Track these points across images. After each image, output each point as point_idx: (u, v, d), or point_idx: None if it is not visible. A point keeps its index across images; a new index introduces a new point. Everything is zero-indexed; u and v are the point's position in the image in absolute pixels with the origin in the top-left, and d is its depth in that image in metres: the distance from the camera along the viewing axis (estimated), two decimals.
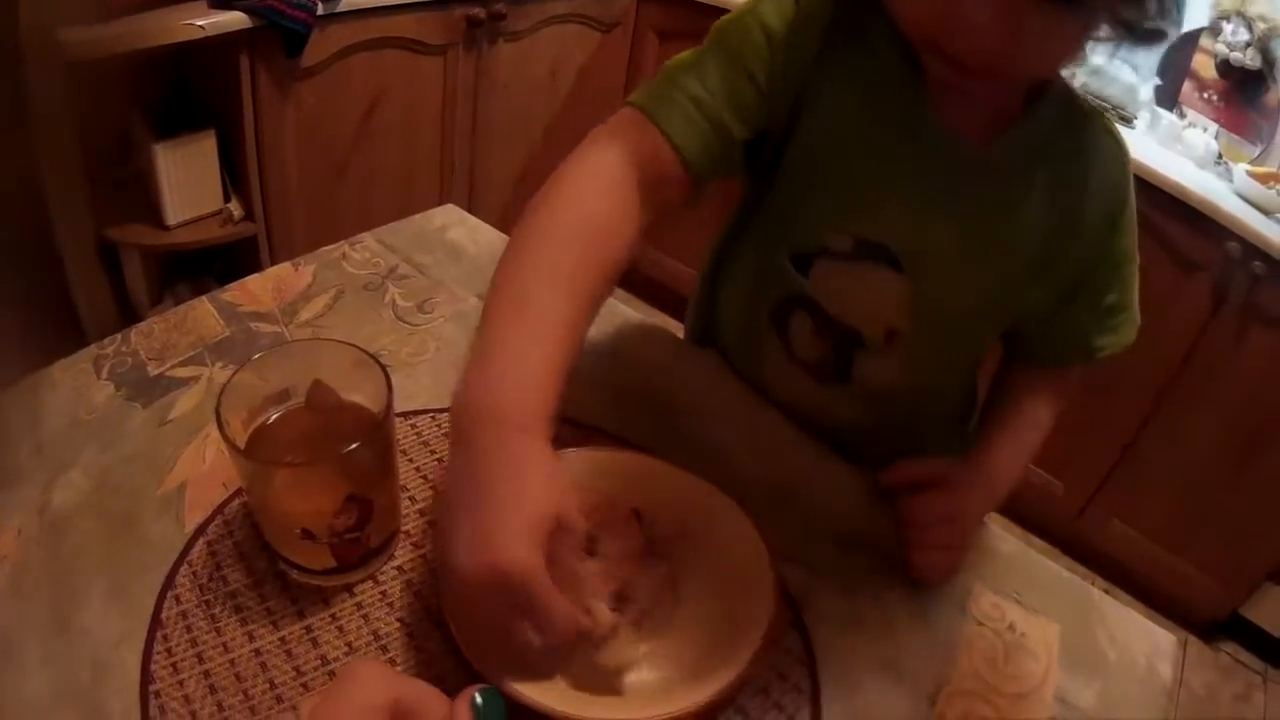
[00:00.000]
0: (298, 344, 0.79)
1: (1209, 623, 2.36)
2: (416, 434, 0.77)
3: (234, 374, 0.60)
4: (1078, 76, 0.81)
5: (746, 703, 0.62)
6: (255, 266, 1.96)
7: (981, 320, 0.88)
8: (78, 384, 0.79)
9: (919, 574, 0.75)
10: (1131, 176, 0.83)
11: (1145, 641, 0.78)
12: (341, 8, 1.85)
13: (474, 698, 0.45)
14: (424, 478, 0.73)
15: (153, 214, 1.95)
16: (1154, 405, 2.19)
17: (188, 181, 1.93)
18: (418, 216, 1.07)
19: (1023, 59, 0.64)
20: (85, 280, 2.05)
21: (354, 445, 0.56)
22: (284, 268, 0.97)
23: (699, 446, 0.82)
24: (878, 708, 0.65)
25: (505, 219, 2.41)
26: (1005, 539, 0.84)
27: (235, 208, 1.98)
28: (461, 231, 1.06)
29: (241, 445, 0.59)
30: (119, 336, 0.85)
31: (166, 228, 1.95)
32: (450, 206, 1.10)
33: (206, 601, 0.62)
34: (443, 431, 0.78)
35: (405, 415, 0.78)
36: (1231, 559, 2.22)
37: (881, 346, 0.86)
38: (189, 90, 2.02)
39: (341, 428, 0.62)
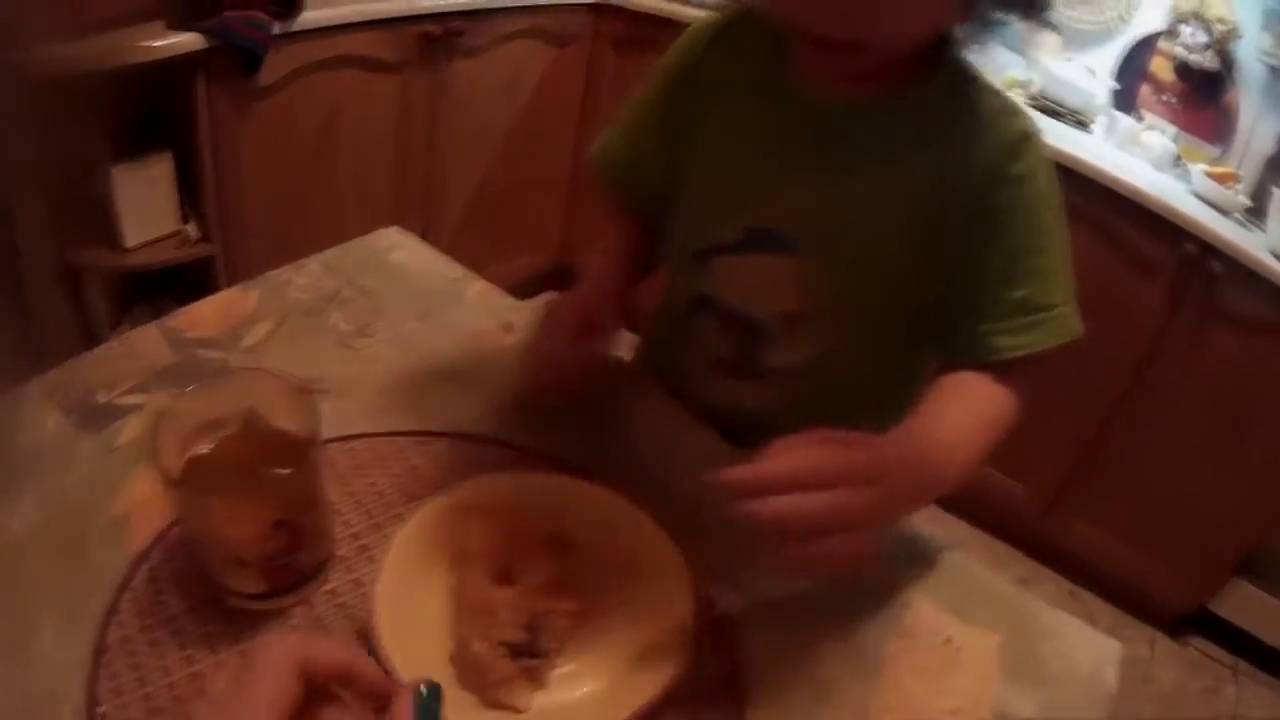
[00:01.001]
0: (232, 374, 0.82)
1: (1176, 618, 2.40)
2: (352, 458, 0.79)
3: (168, 405, 0.63)
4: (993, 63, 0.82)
5: None
6: (214, 288, 1.99)
7: (873, 295, 0.85)
8: (29, 412, 0.81)
9: (803, 568, 0.64)
10: (1041, 169, 0.80)
11: (1089, 649, 0.77)
12: (298, 27, 1.87)
13: (419, 689, 0.46)
14: (358, 502, 0.76)
15: (111, 236, 1.95)
16: (1114, 406, 2.23)
17: (145, 203, 1.94)
18: (363, 239, 1.10)
19: (882, 20, 0.66)
20: (45, 303, 2.06)
21: (280, 472, 0.59)
22: (230, 293, 0.99)
23: (635, 467, 0.84)
24: None
25: (463, 234, 2.44)
26: (946, 548, 0.85)
27: (192, 229, 1.99)
28: (404, 254, 1.09)
29: (176, 475, 0.61)
30: (70, 364, 0.87)
31: (125, 250, 1.96)
32: (395, 229, 1.13)
33: (148, 626, 0.64)
34: (378, 456, 0.80)
35: (343, 439, 0.81)
36: (1197, 555, 2.26)
37: (782, 333, 0.88)
38: (147, 110, 2.03)
39: (273, 455, 0.64)
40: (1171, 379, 2.14)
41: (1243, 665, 2.38)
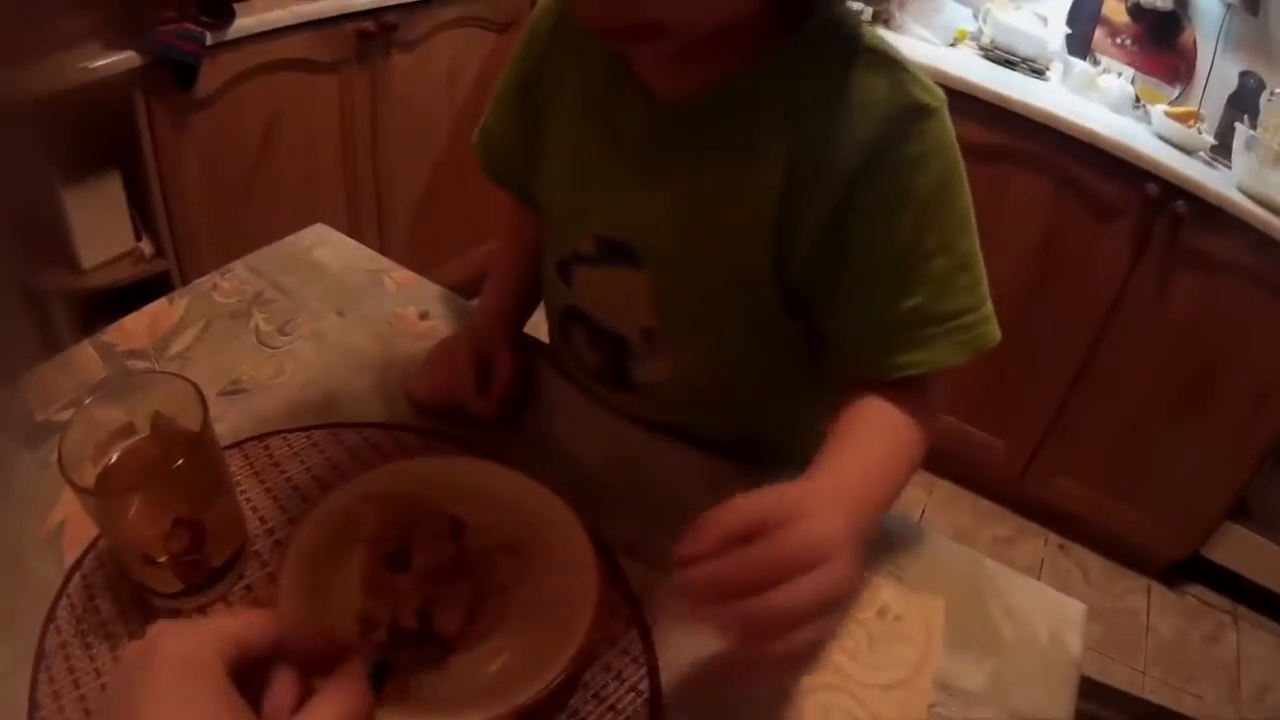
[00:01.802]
0: (135, 378, 0.84)
1: (1171, 567, 2.43)
2: (269, 455, 0.81)
3: (74, 414, 0.65)
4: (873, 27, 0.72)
5: (581, 706, 0.64)
6: None
7: (732, 307, 0.79)
8: None
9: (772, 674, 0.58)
10: (940, 153, 0.70)
11: (1048, 612, 0.75)
12: (231, 35, 1.88)
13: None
14: (274, 498, 0.77)
15: (67, 258, 1.97)
16: (1086, 357, 2.24)
17: (98, 224, 1.96)
18: (288, 239, 1.12)
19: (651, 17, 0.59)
20: (8, 326, 2.08)
21: (173, 466, 0.61)
22: (159, 304, 1.01)
23: (543, 448, 0.86)
24: (724, 708, 0.65)
25: (416, 226, 2.46)
26: (888, 516, 0.80)
27: (146, 246, 2.01)
28: (326, 250, 1.11)
29: (84, 480, 0.63)
30: (13, 386, 0.90)
31: (82, 271, 1.98)
32: (319, 226, 1.15)
33: (82, 631, 0.66)
34: (294, 452, 0.82)
35: (260, 438, 0.83)
36: (1185, 501, 2.28)
37: (645, 347, 0.85)
38: (92, 131, 2.05)
39: (178, 456, 0.66)
40: (1142, 324, 2.15)
41: (1242, 610, 2.41)
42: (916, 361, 0.71)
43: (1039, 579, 2.28)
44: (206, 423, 0.64)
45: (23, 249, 1.98)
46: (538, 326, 1.00)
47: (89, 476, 0.64)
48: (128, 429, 0.69)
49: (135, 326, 0.98)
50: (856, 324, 0.74)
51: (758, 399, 0.89)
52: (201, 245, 2.08)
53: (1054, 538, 2.50)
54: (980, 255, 0.73)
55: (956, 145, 0.70)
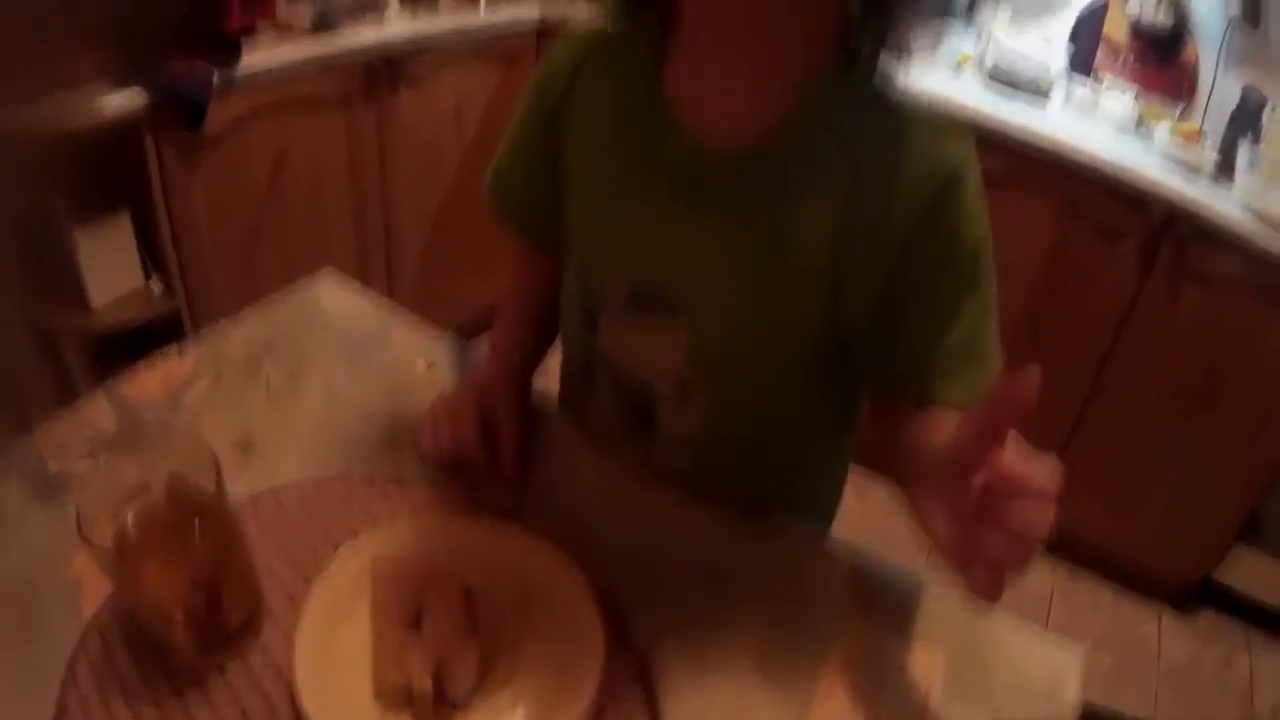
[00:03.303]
0: (155, 438, 0.85)
1: (1182, 591, 2.42)
2: (281, 508, 0.83)
3: (89, 472, 0.67)
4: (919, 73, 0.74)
5: None
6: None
7: (771, 355, 0.82)
8: None
9: (994, 580, 0.56)
10: (976, 206, 0.75)
11: (1045, 658, 0.76)
12: (238, 74, 1.91)
13: None
14: (288, 555, 0.78)
15: (79, 297, 2.00)
16: (1093, 382, 2.25)
17: (109, 264, 1.99)
18: (296, 286, 1.14)
19: None
20: (24, 367, 2.11)
21: (191, 533, 0.63)
22: (171, 355, 1.03)
23: (551, 505, 0.86)
24: None
25: (425, 260, 2.48)
26: (883, 562, 0.84)
27: (156, 285, 2.04)
28: (335, 299, 1.13)
29: (101, 542, 0.65)
30: (28, 437, 0.91)
31: (93, 310, 2.01)
32: (327, 271, 1.16)
33: (101, 686, 0.67)
34: (306, 505, 0.83)
35: (273, 490, 0.84)
36: (1195, 525, 2.28)
37: (675, 398, 0.86)
38: (101, 170, 2.07)
39: (194, 515, 0.68)
40: (1148, 346, 2.16)
41: (1254, 633, 2.40)
42: (966, 389, 0.75)
43: (1049, 609, 2.31)
44: (221, 487, 0.66)
45: (32, 287, 2.01)
46: (548, 370, 1.01)
47: (105, 535, 0.66)
48: (143, 487, 0.71)
49: (148, 378, 0.99)
50: (906, 357, 0.77)
51: (779, 448, 0.92)
52: (212, 283, 2.10)
53: (1064, 566, 2.50)
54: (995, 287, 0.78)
55: (983, 190, 0.75)
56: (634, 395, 0.88)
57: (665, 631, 0.74)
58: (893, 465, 0.74)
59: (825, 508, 1.05)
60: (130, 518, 0.69)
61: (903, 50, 0.71)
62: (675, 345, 0.82)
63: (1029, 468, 0.54)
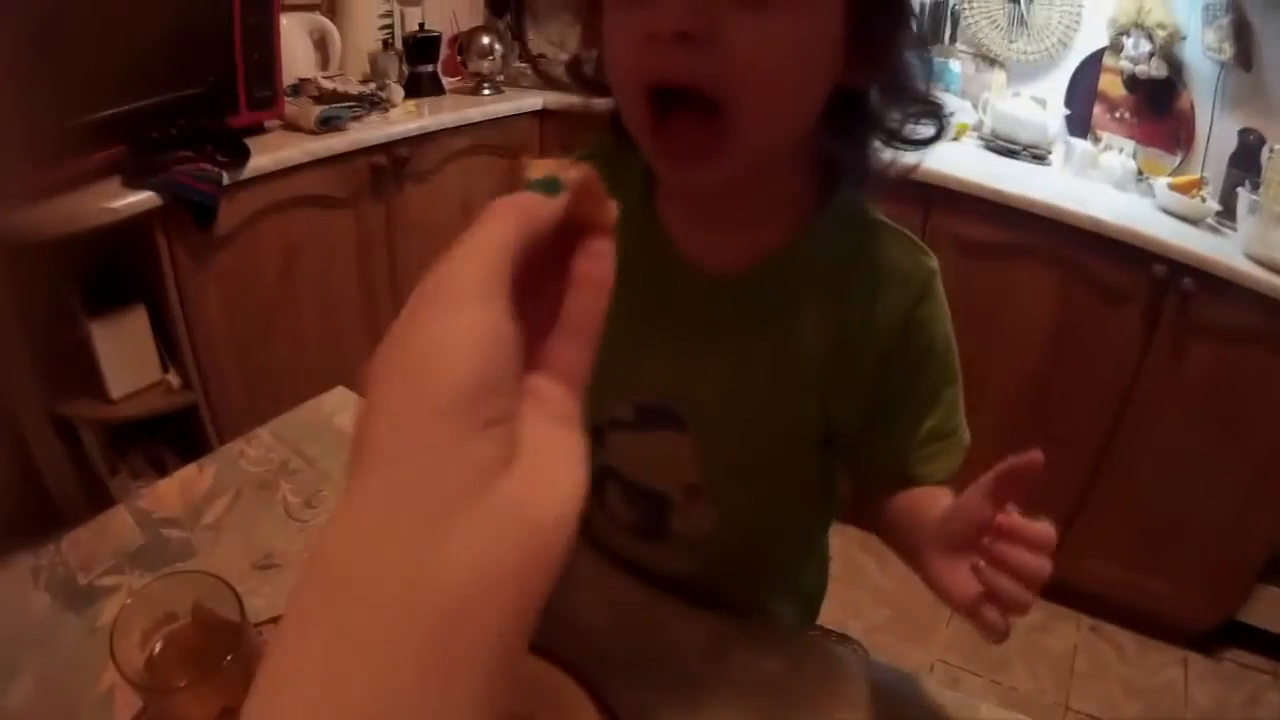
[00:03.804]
0: (174, 577, 0.89)
1: (1206, 634, 2.43)
2: None
3: (120, 610, 0.73)
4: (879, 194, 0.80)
5: None
6: (200, 432, 2.09)
7: (775, 458, 0.87)
8: (19, 594, 0.90)
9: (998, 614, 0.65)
10: (942, 302, 0.82)
11: None
12: (246, 174, 1.98)
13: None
14: None
15: (97, 387, 2.06)
16: (1105, 439, 2.27)
17: (125, 356, 2.05)
18: (309, 404, 1.19)
19: (731, 75, 0.60)
20: (45, 453, 2.17)
21: (220, 661, 0.68)
22: (189, 469, 1.08)
23: (554, 615, 0.89)
24: None
25: None
26: (882, 667, 0.88)
27: (173, 378, 2.10)
28: (347, 417, 1.17)
29: (134, 673, 0.70)
30: (52, 547, 0.96)
31: (111, 401, 2.06)
32: (339, 390, 1.21)
33: None
34: None
35: None
36: (1216, 568, 2.30)
37: (686, 503, 0.90)
38: (116, 265, 2.14)
39: (220, 644, 0.73)
40: (1158, 402, 2.19)
41: None
42: (940, 470, 0.84)
43: (1073, 664, 2.32)
44: (245, 618, 0.71)
45: (53, 379, 2.08)
46: None
47: (136, 660, 0.72)
48: (170, 616, 0.76)
49: (168, 492, 1.05)
50: (888, 445, 0.85)
51: (781, 538, 0.98)
52: (227, 377, 2.16)
53: (1086, 620, 2.51)
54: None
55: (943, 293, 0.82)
56: (645, 503, 0.92)
57: None
58: (885, 537, 0.85)
59: (817, 585, 1.12)
60: (159, 646, 0.75)
61: (881, 180, 0.78)
62: (684, 456, 0.86)
63: (1028, 522, 0.64)
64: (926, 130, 0.75)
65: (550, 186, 0.42)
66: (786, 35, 0.60)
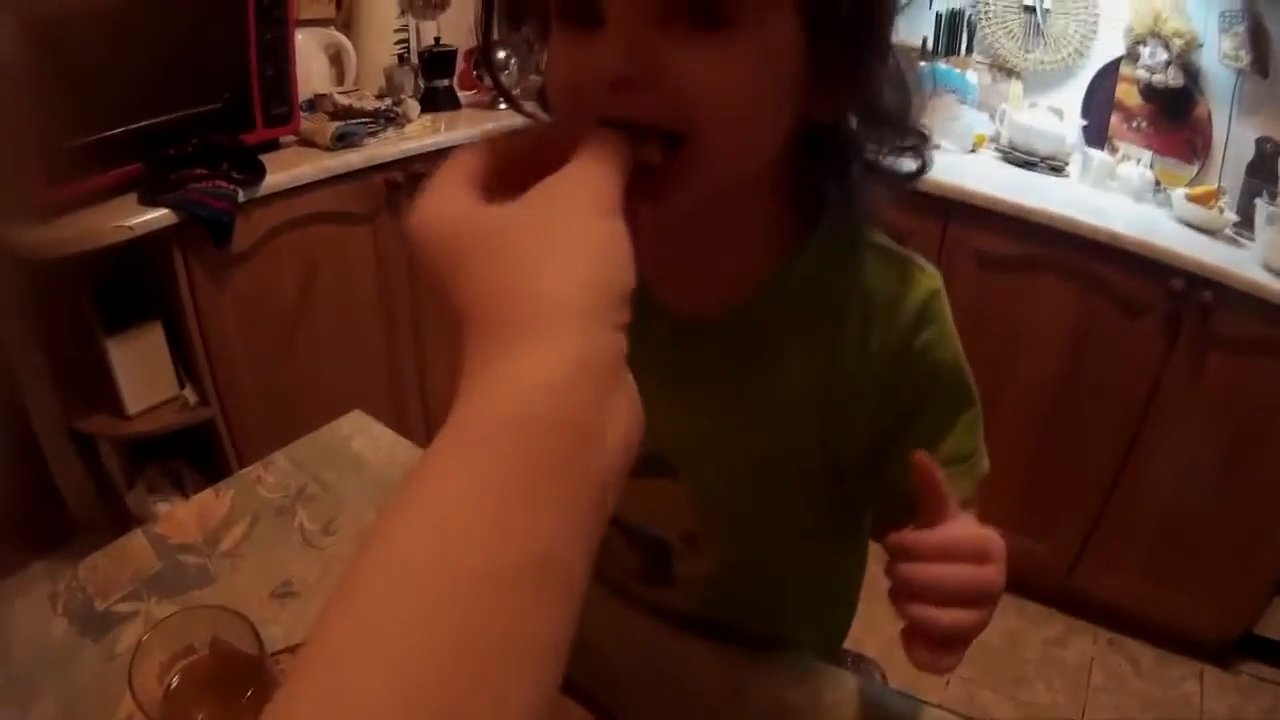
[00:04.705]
0: (192, 610, 0.89)
1: (1222, 647, 2.42)
2: None
3: (139, 643, 0.73)
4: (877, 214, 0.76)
5: None
6: (218, 448, 2.10)
7: (781, 499, 0.84)
8: (37, 618, 0.90)
9: (928, 654, 0.63)
10: (947, 321, 0.77)
11: None
12: (263, 191, 1.99)
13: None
14: None
15: (114, 403, 2.07)
16: (1124, 453, 2.27)
17: (142, 372, 2.06)
18: (326, 428, 1.19)
19: (688, 108, 0.56)
20: (62, 466, 2.19)
21: (240, 695, 0.69)
22: (206, 495, 1.09)
23: (577, 651, 0.87)
24: None
25: (457, 366, 2.57)
26: (895, 696, 0.87)
27: (190, 394, 2.11)
28: (364, 441, 1.18)
29: (157, 696, 0.71)
30: (69, 572, 0.96)
31: (128, 417, 2.08)
32: (356, 414, 1.22)
33: None
34: None
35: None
36: (1234, 581, 2.29)
37: (687, 549, 0.88)
38: (133, 282, 2.16)
39: (238, 677, 0.74)
40: (1177, 415, 2.18)
41: None
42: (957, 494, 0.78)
43: (1090, 678, 2.31)
44: (262, 651, 0.72)
45: (70, 395, 2.09)
46: None
47: (154, 693, 0.72)
48: (188, 649, 0.77)
49: (185, 517, 1.05)
50: (899, 476, 0.77)
51: (792, 579, 0.94)
52: (244, 394, 2.17)
53: (1103, 634, 2.50)
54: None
55: (949, 312, 0.78)
56: (646, 548, 0.90)
57: None
58: None
59: (841, 618, 1.08)
60: (176, 680, 0.75)
61: (870, 211, 0.75)
62: (680, 503, 0.84)
63: (910, 532, 0.63)
64: (908, 165, 0.72)
65: None
66: (738, 59, 0.57)
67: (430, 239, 0.43)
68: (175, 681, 0.75)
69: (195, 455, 2.23)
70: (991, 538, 0.65)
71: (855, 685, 0.88)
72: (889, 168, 0.72)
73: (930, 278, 0.77)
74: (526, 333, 0.38)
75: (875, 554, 0.86)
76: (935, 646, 0.63)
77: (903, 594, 0.63)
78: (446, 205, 0.44)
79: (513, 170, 0.48)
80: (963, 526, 0.65)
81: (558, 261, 0.40)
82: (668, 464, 0.81)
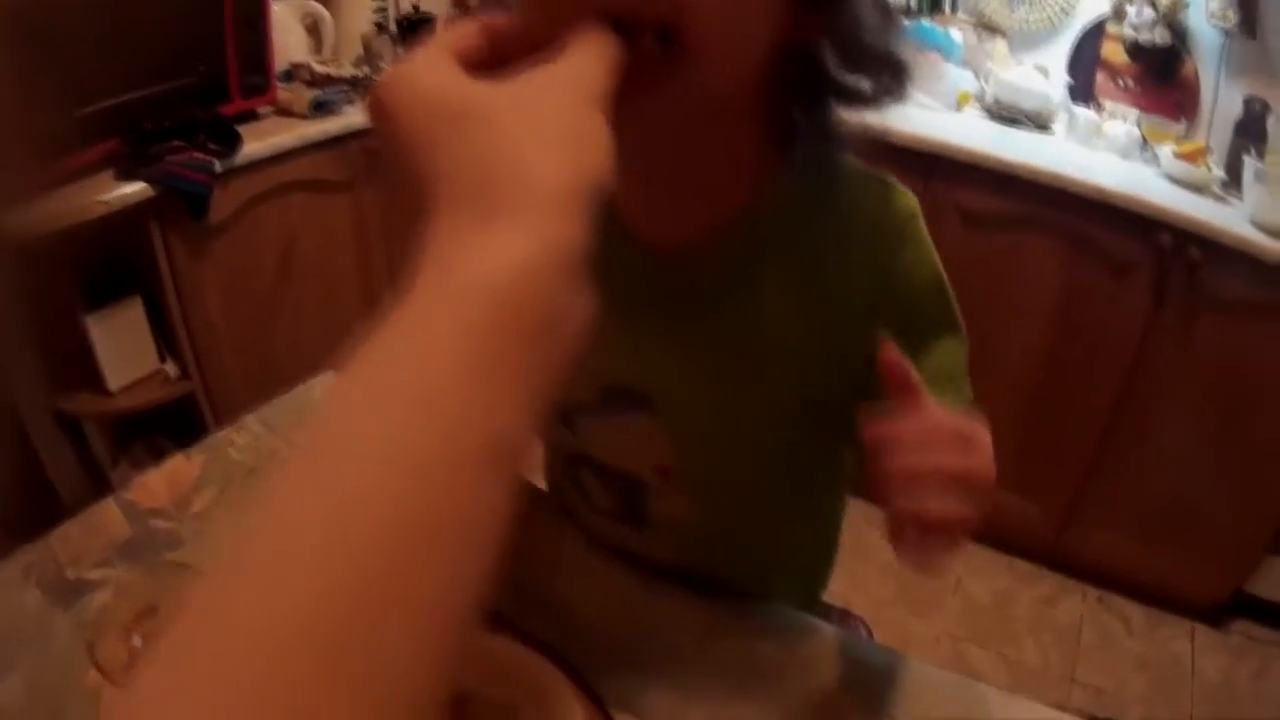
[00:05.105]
0: (155, 570, 0.89)
1: (1213, 606, 2.41)
2: None
3: (103, 609, 0.72)
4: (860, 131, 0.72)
5: None
6: (201, 421, 2.08)
7: (758, 435, 0.82)
8: (10, 592, 0.88)
9: (918, 545, 0.61)
10: (927, 243, 0.76)
11: None
12: (240, 161, 1.97)
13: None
14: None
15: (95, 380, 2.06)
16: (1112, 411, 2.26)
17: (123, 348, 2.05)
18: (299, 389, 1.17)
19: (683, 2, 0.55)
20: (48, 446, 2.17)
21: None
22: (177, 460, 1.07)
23: (542, 602, 0.86)
24: None
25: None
26: (876, 648, 0.86)
27: (171, 368, 2.09)
28: None
29: (123, 658, 0.70)
30: (42, 542, 0.95)
31: (110, 393, 2.07)
32: (329, 375, 1.19)
33: None
34: None
35: None
36: (1224, 540, 2.29)
37: (662, 486, 0.86)
38: (111, 258, 2.14)
39: None
40: (1166, 374, 2.17)
41: None
42: None
43: (1080, 637, 2.31)
44: None
45: (52, 373, 2.07)
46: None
47: (120, 655, 0.71)
48: (151, 610, 0.75)
49: (155, 483, 1.03)
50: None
51: (770, 525, 0.93)
52: (226, 366, 2.16)
53: (1093, 592, 2.49)
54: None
55: (928, 237, 0.77)
56: (622, 486, 0.89)
57: None
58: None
59: (820, 566, 1.07)
60: (139, 640, 0.74)
61: (845, 136, 0.73)
62: (655, 439, 0.83)
63: (933, 422, 0.60)
64: (883, 93, 0.70)
65: None
66: None
67: (405, 106, 0.42)
68: (139, 642, 0.74)
69: (179, 432, 2.22)
70: (975, 427, 0.62)
71: (833, 637, 0.86)
72: (863, 93, 0.70)
73: (908, 199, 0.76)
74: (503, 210, 0.38)
75: (863, 512, 0.85)
76: (923, 541, 0.60)
77: (885, 489, 0.60)
78: (428, 74, 0.43)
79: (500, 54, 0.48)
80: (943, 415, 0.62)
81: (539, 145, 0.40)
82: (642, 398, 0.81)
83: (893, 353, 0.62)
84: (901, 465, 0.59)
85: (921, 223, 0.76)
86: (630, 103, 0.47)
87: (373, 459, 0.32)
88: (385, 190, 2.34)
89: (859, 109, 0.70)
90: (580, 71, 0.44)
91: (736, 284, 0.76)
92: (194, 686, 0.27)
